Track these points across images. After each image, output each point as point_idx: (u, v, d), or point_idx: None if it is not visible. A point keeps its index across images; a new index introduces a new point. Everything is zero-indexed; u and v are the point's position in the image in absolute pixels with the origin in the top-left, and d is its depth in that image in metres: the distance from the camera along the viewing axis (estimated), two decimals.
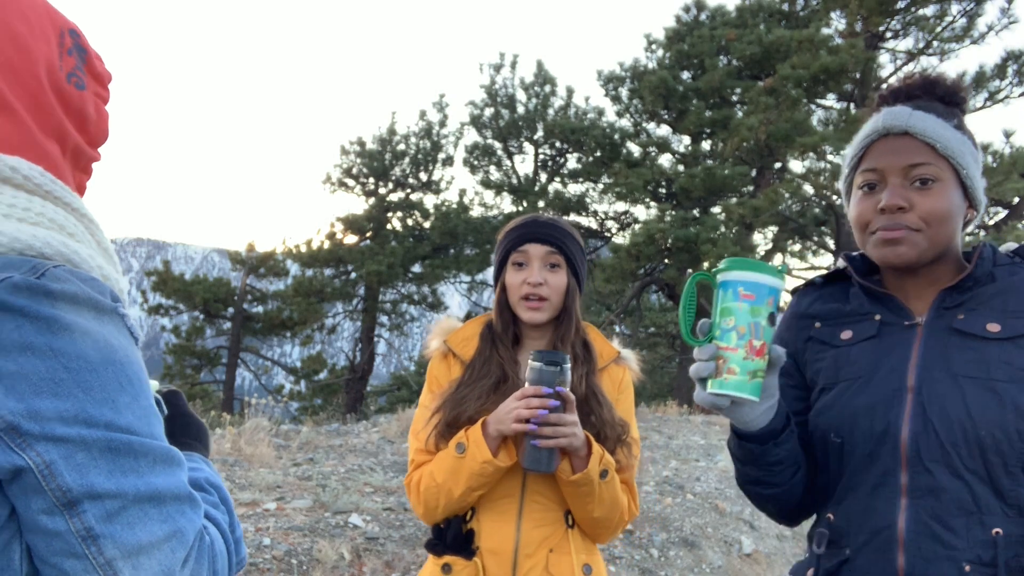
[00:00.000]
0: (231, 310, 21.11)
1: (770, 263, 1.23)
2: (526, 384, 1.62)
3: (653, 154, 18.82)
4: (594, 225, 20.16)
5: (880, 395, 1.28)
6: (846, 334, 1.37)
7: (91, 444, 0.74)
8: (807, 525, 1.50)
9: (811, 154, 14.68)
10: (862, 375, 1.32)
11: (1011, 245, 1.36)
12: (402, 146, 21.84)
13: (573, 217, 19.83)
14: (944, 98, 1.34)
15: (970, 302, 1.29)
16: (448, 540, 1.72)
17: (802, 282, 1.52)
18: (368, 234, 21.41)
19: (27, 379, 0.72)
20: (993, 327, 1.24)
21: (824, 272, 1.49)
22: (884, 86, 1.45)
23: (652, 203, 18.71)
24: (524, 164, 21.94)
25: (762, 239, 17.94)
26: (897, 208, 1.27)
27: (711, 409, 1.23)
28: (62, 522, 0.74)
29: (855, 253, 1.44)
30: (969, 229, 1.37)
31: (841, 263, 1.45)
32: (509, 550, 1.69)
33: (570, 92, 21.66)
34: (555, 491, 1.72)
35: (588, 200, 20.37)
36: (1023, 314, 1.25)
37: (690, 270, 15.99)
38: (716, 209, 16.77)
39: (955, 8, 15.43)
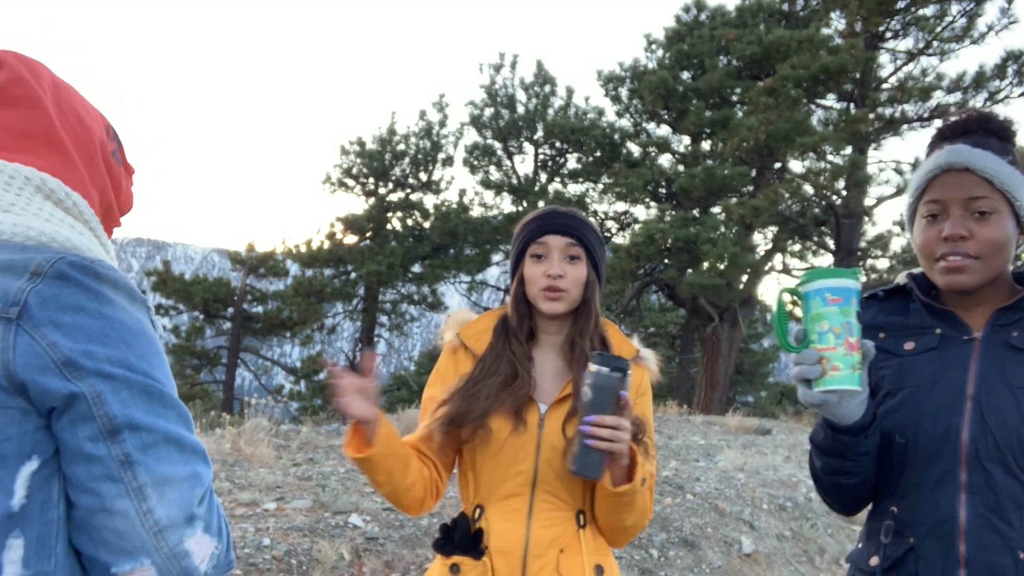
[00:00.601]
0: (231, 310, 21.11)
1: (832, 268, 1.38)
2: (585, 389, 1.55)
3: (653, 154, 18.82)
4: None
5: (942, 401, 1.43)
6: (909, 345, 1.51)
7: (132, 384, 0.89)
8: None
9: (811, 154, 14.69)
10: (925, 383, 1.46)
11: None
12: (402, 146, 21.85)
13: None
14: (997, 133, 1.48)
15: (1020, 322, 1.43)
16: (456, 539, 1.69)
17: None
18: (368, 234, 21.43)
19: (81, 329, 0.88)
20: None
21: (886, 287, 1.63)
22: (942, 121, 1.62)
23: (652, 203, 18.72)
24: (524, 164, 21.97)
25: (762, 239, 17.95)
26: (959, 237, 1.42)
27: (820, 406, 1.38)
28: (104, 448, 0.87)
29: (916, 271, 1.59)
30: (1020, 250, 1.51)
31: (903, 279, 1.60)
32: (518, 550, 1.65)
33: (570, 92, 21.68)
34: (566, 490, 1.68)
35: (588, 200, 20.38)
36: None
37: (690, 270, 16.00)
38: (716, 209, 16.77)
39: (955, 8, 15.45)
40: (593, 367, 1.54)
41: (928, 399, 1.44)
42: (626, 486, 1.59)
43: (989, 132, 1.48)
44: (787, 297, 1.41)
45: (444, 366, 1.82)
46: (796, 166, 15.99)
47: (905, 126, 15.75)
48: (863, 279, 1.62)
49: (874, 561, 1.47)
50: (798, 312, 1.45)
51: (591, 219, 1.84)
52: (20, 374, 0.85)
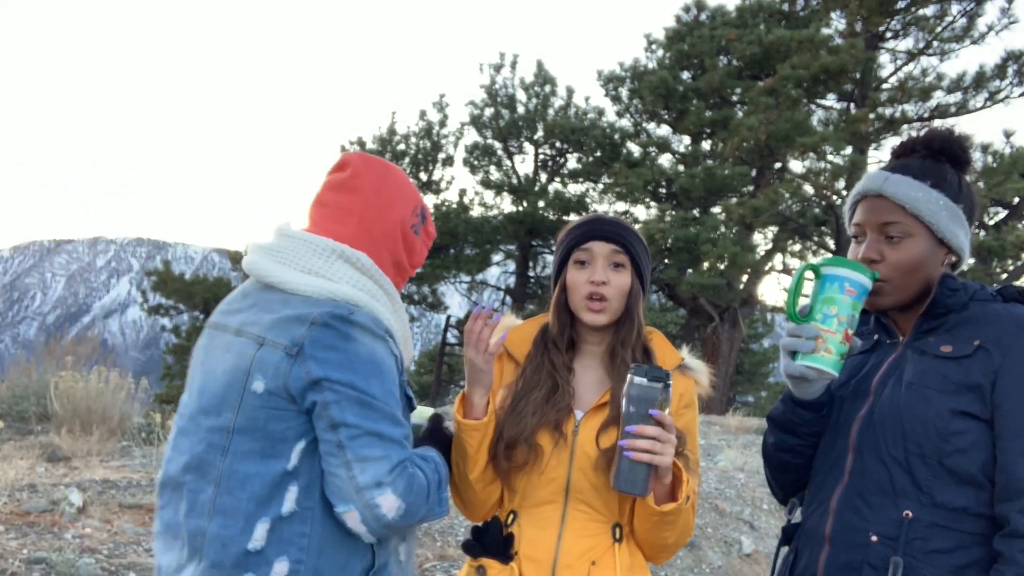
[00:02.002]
0: None
1: (856, 262, 1.47)
2: (624, 401, 1.51)
3: (653, 154, 18.82)
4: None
5: (849, 395, 1.56)
6: None
7: (350, 398, 1.41)
8: None
9: (811, 154, 14.68)
10: (845, 379, 1.59)
11: (997, 287, 1.57)
12: (402, 146, 21.83)
13: (573, 217, 19.82)
14: (941, 151, 1.55)
15: (941, 328, 1.51)
16: (485, 542, 1.66)
17: None
18: None
19: (328, 361, 1.41)
20: (946, 348, 1.48)
21: None
22: (895, 145, 1.65)
23: (652, 203, 18.72)
24: (524, 164, 21.96)
25: (762, 239, 17.95)
26: (870, 260, 1.52)
27: (798, 379, 1.50)
28: (330, 435, 1.41)
29: None
30: (962, 269, 1.60)
31: None
32: (548, 559, 1.61)
33: (570, 92, 21.67)
34: (601, 501, 1.64)
35: (588, 200, 20.37)
36: (972, 339, 1.46)
37: (690, 270, 16.00)
38: (716, 209, 16.77)
39: (955, 8, 15.45)
40: (630, 378, 1.50)
41: (838, 392, 1.58)
42: (670, 505, 1.55)
43: (931, 151, 1.55)
44: (808, 273, 1.50)
45: None
46: (796, 166, 15.99)
47: (905, 126, 15.73)
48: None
49: (781, 538, 1.67)
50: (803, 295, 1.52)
51: (633, 227, 1.79)
52: (292, 390, 1.42)
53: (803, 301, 1.49)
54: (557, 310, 1.73)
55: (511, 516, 1.68)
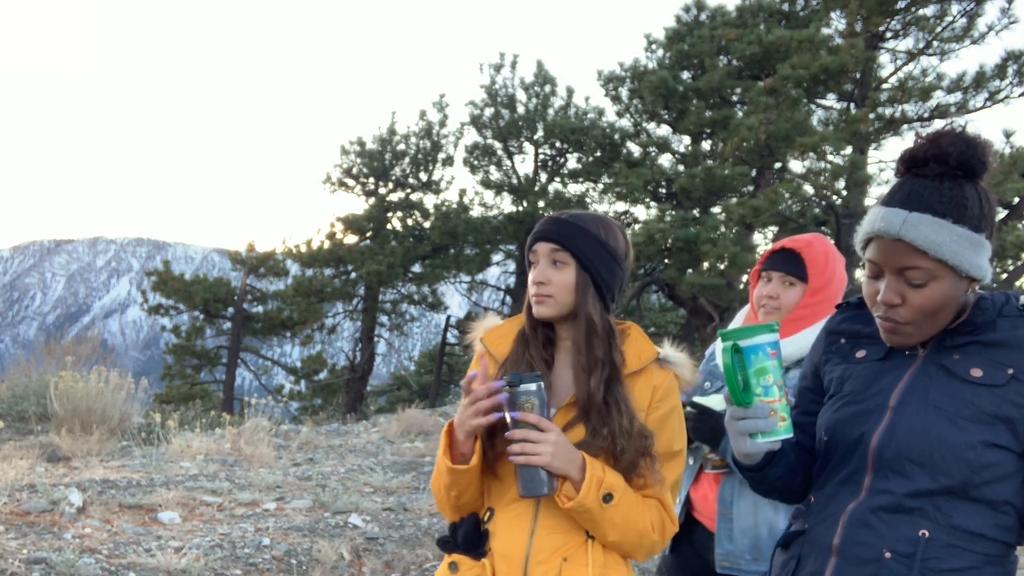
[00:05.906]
0: (231, 310, 21.09)
1: (760, 324, 1.48)
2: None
3: (653, 154, 18.81)
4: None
5: (866, 408, 1.50)
6: (860, 353, 1.57)
7: None
8: None
9: (811, 154, 14.66)
10: (858, 389, 1.53)
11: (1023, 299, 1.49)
12: (402, 146, 21.83)
13: None
14: (960, 167, 1.40)
15: (968, 346, 1.44)
16: (459, 539, 1.70)
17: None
18: (368, 234, 21.41)
19: None
20: (976, 372, 1.41)
21: (860, 296, 1.64)
22: (902, 152, 1.49)
23: (652, 203, 18.71)
24: (524, 164, 21.95)
25: (762, 239, 17.94)
26: (891, 304, 1.43)
27: (753, 455, 1.50)
28: None
29: None
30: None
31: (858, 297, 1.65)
32: (520, 555, 1.64)
33: (570, 92, 21.65)
34: None
35: (588, 200, 20.37)
36: (1005, 367, 1.40)
37: (690, 270, 15.99)
38: (716, 209, 16.76)
39: (955, 8, 15.42)
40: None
41: (855, 404, 1.51)
42: (570, 503, 1.58)
43: (947, 167, 1.39)
44: (733, 355, 1.45)
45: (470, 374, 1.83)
46: (796, 166, 15.97)
47: (905, 126, 15.73)
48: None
49: (779, 540, 1.65)
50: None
51: (600, 223, 1.77)
52: None
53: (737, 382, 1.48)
54: (527, 309, 1.79)
55: (488, 513, 1.71)
